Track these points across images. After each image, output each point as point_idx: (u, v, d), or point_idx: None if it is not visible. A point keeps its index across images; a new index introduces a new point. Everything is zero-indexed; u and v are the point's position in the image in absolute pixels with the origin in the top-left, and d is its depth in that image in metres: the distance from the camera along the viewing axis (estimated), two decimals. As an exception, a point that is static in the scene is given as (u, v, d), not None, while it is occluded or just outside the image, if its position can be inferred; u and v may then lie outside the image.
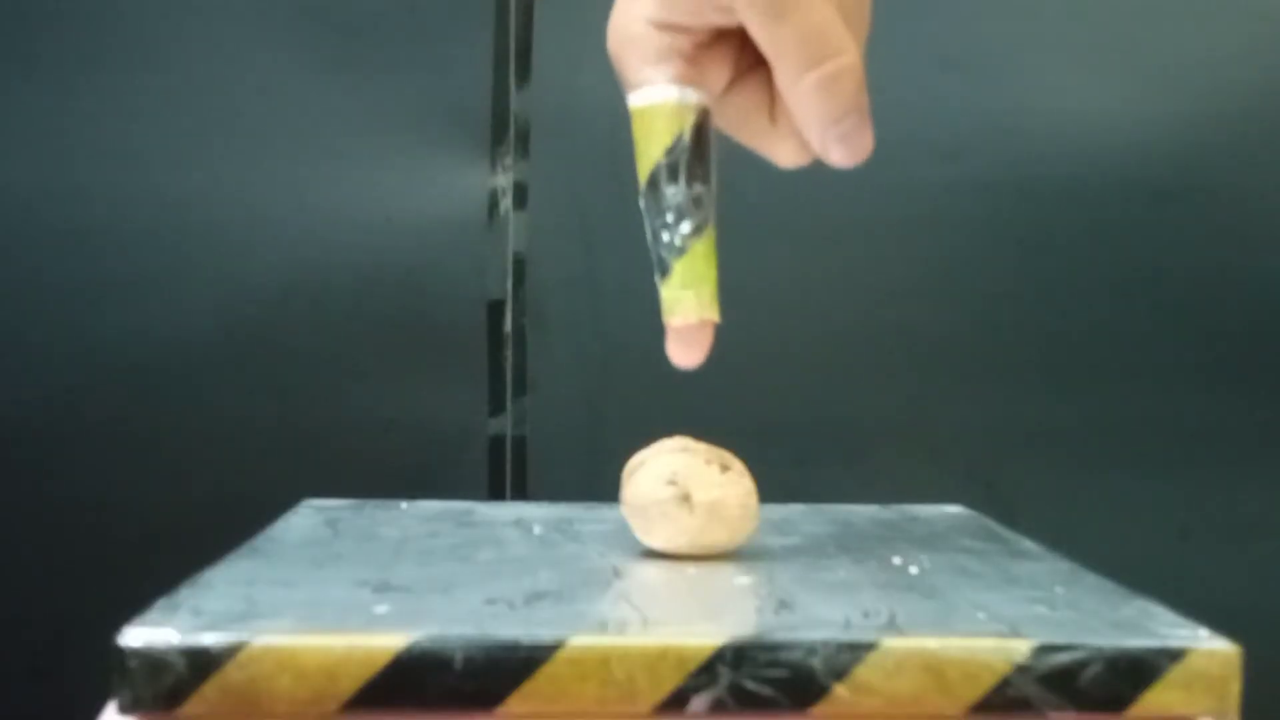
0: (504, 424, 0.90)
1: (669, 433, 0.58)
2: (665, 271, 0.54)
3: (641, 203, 0.54)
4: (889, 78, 0.91)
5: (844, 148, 0.50)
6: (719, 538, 0.55)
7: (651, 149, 0.53)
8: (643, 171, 0.54)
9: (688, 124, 0.53)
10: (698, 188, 0.53)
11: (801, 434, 0.90)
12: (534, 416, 0.90)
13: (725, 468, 0.55)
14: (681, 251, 0.54)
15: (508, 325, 0.90)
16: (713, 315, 0.54)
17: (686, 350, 0.54)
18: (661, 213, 0.53)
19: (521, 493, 0.90)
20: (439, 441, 0.89)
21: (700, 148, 0.53)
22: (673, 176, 0.53)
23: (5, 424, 0.88)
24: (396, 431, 0.89)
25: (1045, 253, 0.91)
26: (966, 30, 0.91)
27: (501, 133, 0.89)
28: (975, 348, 0.91)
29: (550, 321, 0.90)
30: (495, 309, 0.90)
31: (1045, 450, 0.91)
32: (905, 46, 0.89)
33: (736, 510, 0.55)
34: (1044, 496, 0.90)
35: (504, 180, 0.89)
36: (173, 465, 0.89)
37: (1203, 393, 0.91)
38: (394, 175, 0.88)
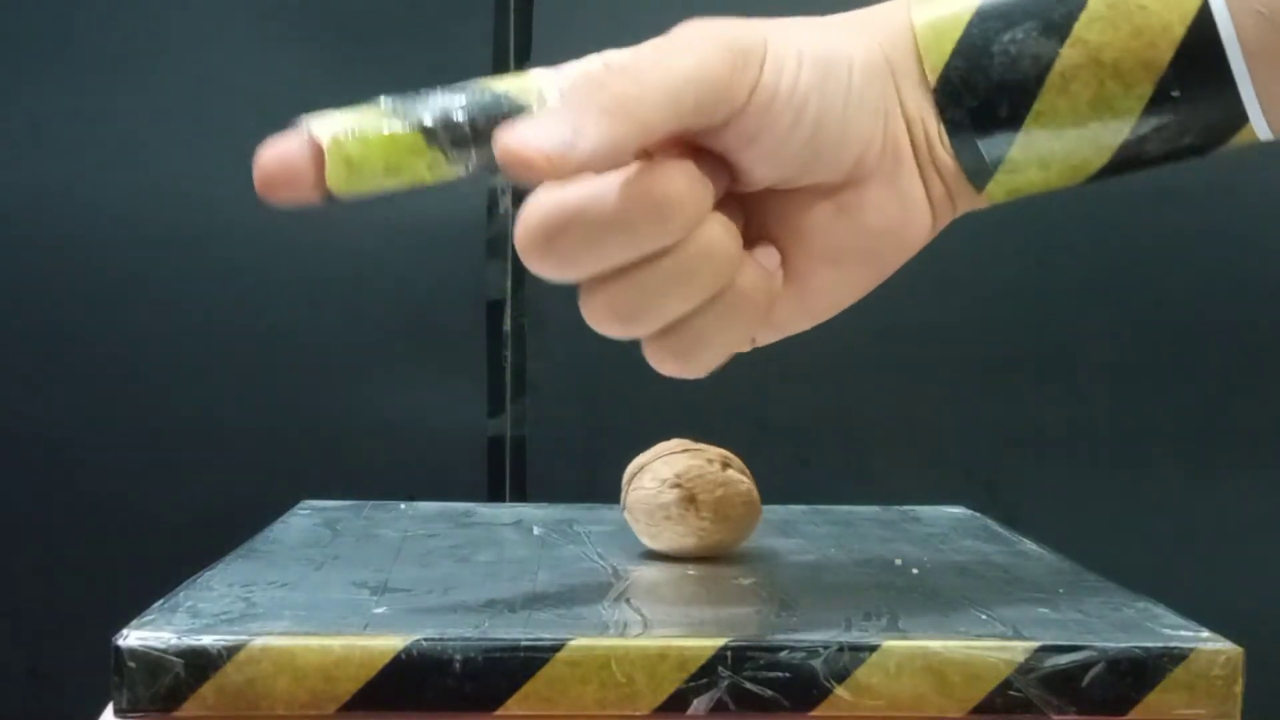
0: (503, 424, 0.90)
1: (668, 433, 0.58)
2: None
3: None
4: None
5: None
6: (725, 537, 0.55)
7: None
8: None
9: None
10: None
11: (801, 434, 0.90)
12: (534, 416, 0.90)
13: (726, 466, 0.55)
14: None
15: (507, 325, 0.90)
16: None
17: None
18: None
19: (521, 493, 0.90)
20: (438, 441, 0.89)
21: None
22: None
23: (5, 424, 0.88)
24: (395, 431, 0.89)
25: (1045, 253, 0.91)
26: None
27: (501, 132, 0.88)
28: (975, 348, 0.91)
29: (550, 321, 0.90)
30: (495, 309, 0.90)
31: (1046, 451, 0.91)
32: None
33: (741, 508, 0.55)
34: (1045, 497, 0.90)
35: (504, 180, 0.89)
36: (172, 466, 0.89)
37: (1203, 393, 0.91)
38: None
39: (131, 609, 0.45)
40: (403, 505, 0.68)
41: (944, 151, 0.45)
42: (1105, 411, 0.91)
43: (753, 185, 0.44)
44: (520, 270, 0.89)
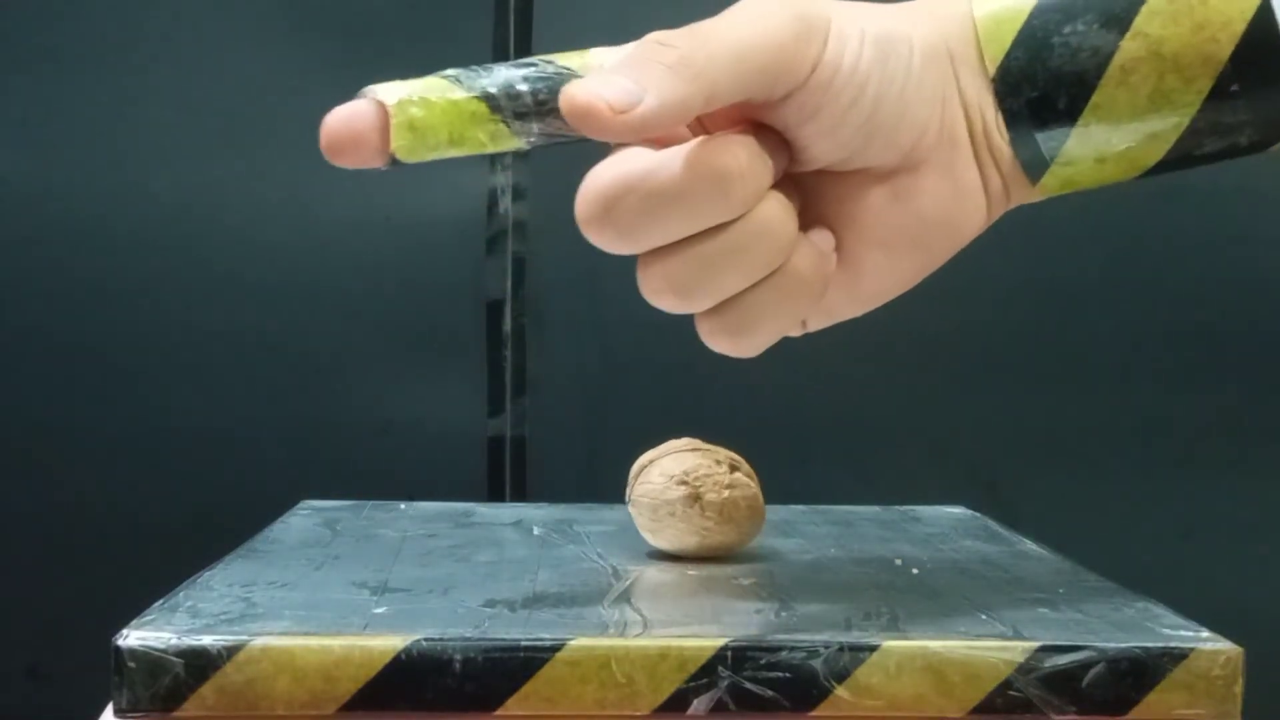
0: (503, 424, 0.90)
1: (669, 433, 0.58)
2: None
3: None
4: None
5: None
6: (728, 539, 0.55)
7: None
8: None
9: None
10: None
11: (801, 434, 0.90)
12: (534, 416, 0.90)
13: (734, 468, 0.55)
14: None
15: (507, 325, 0.90)
16: None
17: None
18: None
19: (521, 493, 0.90)
20: (438, 442, 0.89)
21: None
22: None
23: (5, 424, 0.88)
24: (395, 432, 0.89)
25: (1045, 253, 0.91)
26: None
27: (501, 132, 0.88)
28: (976, 348, 0.91)
29: (550, 321, 0.90)
30: (495, 309, 0.90)
31: (1047, 451, 0.91)
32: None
33: (746, 511, 0.55)
34: (1046, 497, 0.90)
35: (504, 180, 0.89)
36: (172, 465, 0.89)
37: (1203, 393, 0.91)
38: (393, 175, 0.88)
39: (131, 609, 0.45)
40: (403, 505, 0.68)
41: (1001, 141, 0.45)
42: (1106, 412, 0.91)
43: (810, 164, 0.45)
44: (520, 270, 0.89)
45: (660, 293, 0.43)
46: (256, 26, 0.88)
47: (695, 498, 0.54)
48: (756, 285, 0.44)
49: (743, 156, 0.42)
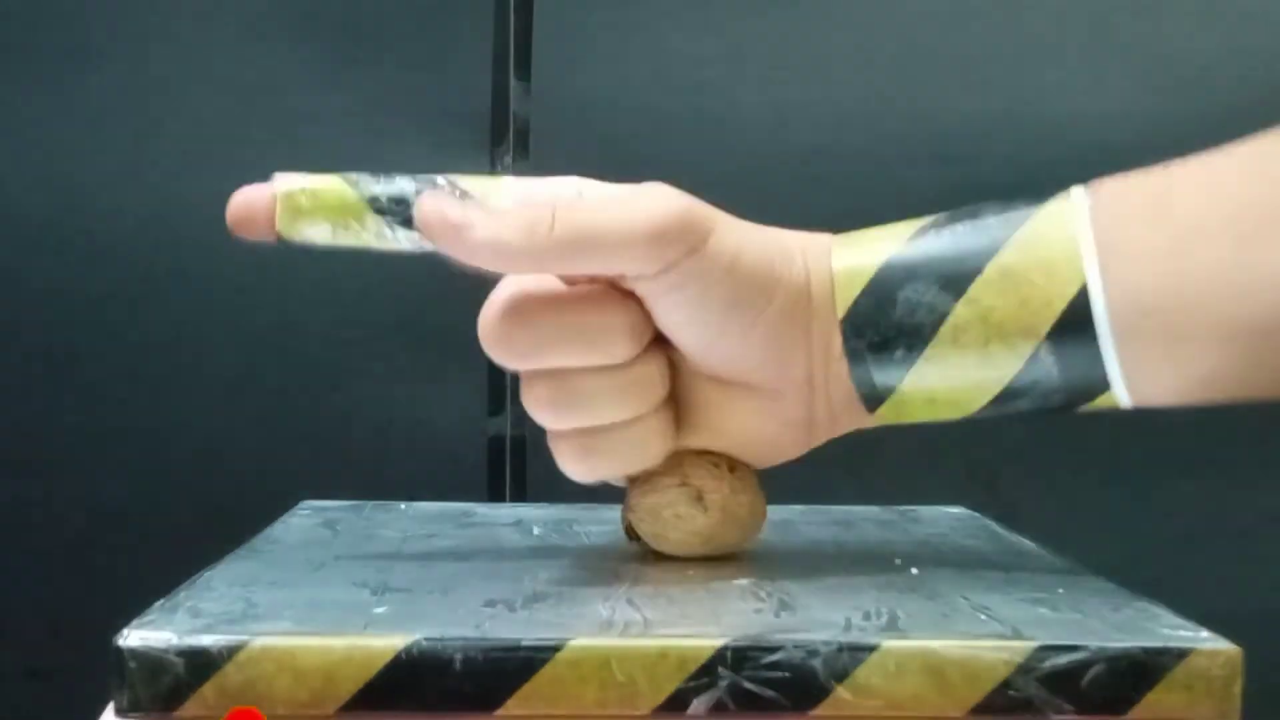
0: (504, 424, 0.90)
1: (669, 433, 0.58)
2: None
3: None
4: (886, 80, 0.91)
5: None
6: (731, 538, 0.55)
7: None
8: None
9: None
10: None
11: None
12: (534, 417, 0.90)
13: (733, 467, 0.55)
14: None
15: (507, 325, 0.90)
16: None
17: None
18: None
19: (521, 493, 0.90)
20: (438, 441, 0.89)
21: None
22: None
23: (5, 424, 0.88)
24: (396, 432, 0.89)
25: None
26: (963, 30, 0.90)
27: (501, 132, 0.89)
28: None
29: (550, 321, 0.90)
30: (495, 309, 0.90)
31: (1047, 451, 0.91)
32: (902, 48, 0.89)
33: (746, 511, 0.55)
34: (1045, 497, 0.90)
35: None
36: (172, 465, 0.89)
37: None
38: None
39: (131, 609, 0.45)
40: (403, 505, 0.68)
41: (841, 374, 0.51)
42: (1105, 412, 0.91)
43: (666, 332, 0.51)
44: (520, 270, 0.89)
45: (535, 407, 0.51)
46: (256, 26, 0.88)
47: (696, 498, 0.54)
48: (619, 425, 0.50)
49: (622, 314, 0.49)
